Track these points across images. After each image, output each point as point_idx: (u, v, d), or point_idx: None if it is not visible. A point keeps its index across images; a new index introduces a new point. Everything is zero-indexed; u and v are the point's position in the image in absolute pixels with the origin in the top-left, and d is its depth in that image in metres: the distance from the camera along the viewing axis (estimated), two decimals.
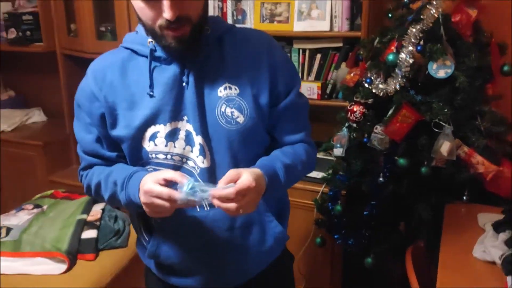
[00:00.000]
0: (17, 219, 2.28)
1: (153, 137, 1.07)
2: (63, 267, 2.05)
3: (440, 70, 1.68)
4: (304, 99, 1.21)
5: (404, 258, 1.90)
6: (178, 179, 0.96)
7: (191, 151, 1.08)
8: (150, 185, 0.97)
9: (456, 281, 1.33)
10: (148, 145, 1.08)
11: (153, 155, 1.09)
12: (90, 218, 2.25)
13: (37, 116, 3.30)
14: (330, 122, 2.08)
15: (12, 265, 2.07)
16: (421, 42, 1.70)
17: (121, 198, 1.06)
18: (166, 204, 0.95)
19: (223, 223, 1.12)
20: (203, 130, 1.07)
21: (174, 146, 1.08)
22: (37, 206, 2.41)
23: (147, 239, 1.20)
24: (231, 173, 0.96)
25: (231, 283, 1.19)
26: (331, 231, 2.01)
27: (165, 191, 0.95)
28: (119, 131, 1.09)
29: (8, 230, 2.19)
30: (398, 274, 2.09)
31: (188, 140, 1.08)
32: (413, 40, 1.69)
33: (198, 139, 1.07)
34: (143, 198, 0.99)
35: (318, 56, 2.28)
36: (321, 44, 2.27)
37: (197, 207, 1.10)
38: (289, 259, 1.35)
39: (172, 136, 1.08)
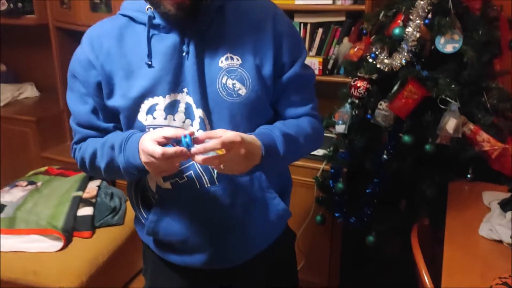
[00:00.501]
0: (11, 196, 2.24)
1: (151, 109, 1.03)
2: (59, 244, 2.03)
3: (447, 45, 1.64)
4: (310, 70, 1.16)
5: (405, 237, 1.89)
6: (179, 135, 0.92)
7: (191, 124, 1.04)
8: (147, 143, 0.93)
9: (462, 259, 1.31)
10: (145, 119, 1.03)
11: (151, 129, 1.04)
12: (85, 195, 2.21)
13: (29, 91, 3.22)
14: (331, 98, 2.03)
15: (7, 242, 2.04)
16: (429, 16, 1.64)
17: (119, 162, 1.01)
18: (162, 163, 0.91)
19: (225, 200, 1.08)
20: (204, 102, 1.02)
21: (174, 119, 1.04)
22: (31, 182, 2.37)
23: (145, 215, 1.16)
24: (218, 130, 0.93)
25: (233, 262, 1.16)
26: (332, 209, 1.99)
27: (158, 149, 0.90)
28: (115, 101, 1.04)
29: (2, 207, 2.15)
30: (399, 252, 2.08)
31: (188, 113, 1.04)
32: (420, 13, 1.64)
33: (198, 112, 1.03)
34: (143, 158, 0.95)
35: (320, 30, 2.22)
36: (323, 18, 2.20)
37: (197, 183, 1.06)
38: (291, 236, 1.33)
39: (171, 108, 1.03)
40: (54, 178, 2.41)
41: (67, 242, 2.05)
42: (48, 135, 2.87)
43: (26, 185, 2.34)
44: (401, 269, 2.08)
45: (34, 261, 1.98)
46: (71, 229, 2.08)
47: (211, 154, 0.91)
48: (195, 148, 0.90)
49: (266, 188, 1.11)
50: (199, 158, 0.91)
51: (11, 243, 2.03)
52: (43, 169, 2.55)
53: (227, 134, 0.91)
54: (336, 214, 1.93)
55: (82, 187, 2.25)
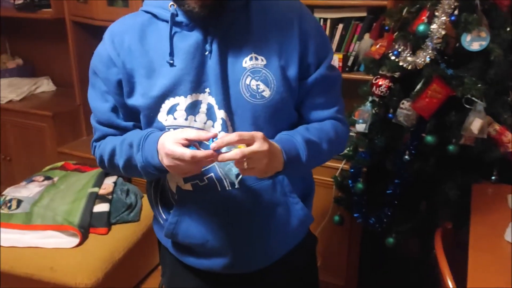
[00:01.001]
0: (28, 191, 2.24)
1: (172, 110, 1.00)
2: (75, 240, 2.03)
3: (474, 43, 1.58)
4: (336, 72, 1.12)
5: (425, 238, 1.86)
6: (203, 137, 0.90)
7: (213, 126, 1.01)
8: (171, 146, 0.90)
9: (488, 264, 1.27)
10: (165, 119, 1.01)
11: (172, 130, 1.01)
12: (102, 191, 2.21)
13: (45, 85, 3.22)
14: (350, 96, 1.98)
15: (23, 238, 2.05)
16: (455, 12, 1.59)
17: (137, 161, 0.99)
18: (190, 165, 0.90)
19: (246, 204, 1.05)
20: (226, 104, 1.00)
21: (195, 120, 1.01)
22: (47, 178, 2.37)
23: (164, 216, 1.14)
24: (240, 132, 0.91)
25: (253, 267, 1.13)
26: (351, 209, 1.95)
27: (187, 152, 0.88)
28: (136, 100, 1.02)
29: (19, 202, 2.16)
30: (418, 253, 2.05)
31: (210, 114, 1.01)
32: (446, 10, 1.58)
33: (220, 114, 1.00)
34: (166, 161, 0.92)
35: (340, 26, 2.17)
36: (344, 13, 2.15)
37: (218, 186, 1.03)
38: (313, 241, 1.29)
39: (192, 109, 1.00)
40: (71, 174, 2.41)
41: (83, 238, 2.05)
42: (64, 130, 2.86)
43: (43, 180, 2.35)
44: (420, 271, 2.05)
45: (50, 257, 1.99)
46: (87, 225, 2.08)
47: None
48: (214, 143, 0.88)
49: (289, 193, 1.08)
50: (221, 156, 0.88)
51: (28, 238, 2.04)
52: (59, 164, 2.55)
53: (246, 132, 0.90)
54: (355, 215, 1.90)
55: (99, 183, 2.25)
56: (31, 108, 2.88)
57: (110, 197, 2.20)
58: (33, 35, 3.26)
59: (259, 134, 0.90)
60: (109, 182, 2.28)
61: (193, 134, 0.90)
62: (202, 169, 1.02)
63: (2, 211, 2.12)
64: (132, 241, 2.15)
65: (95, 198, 2.17)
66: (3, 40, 3.37)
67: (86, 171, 2.41)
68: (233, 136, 0.87)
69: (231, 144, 0.88)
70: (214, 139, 0.89)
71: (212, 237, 1.08)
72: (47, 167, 2.54)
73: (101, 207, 2.15)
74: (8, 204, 2.15)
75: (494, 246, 1.35)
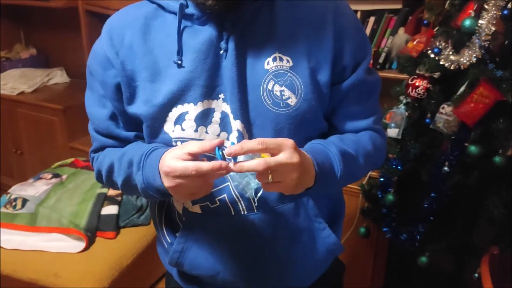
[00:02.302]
0: (34, 189, 2.14)
1: (180, 119, 0.85)
2: (81, 245, 1.93)
3: None
4: (376, 76, 0.95)
5: (460, 257, 1.69)
6: (207, 148, 0.74)
7: (227, 138, 0.86)
8: (171, 162, 0.75)
9: None
10: (172, 130, 0.86)
11: (179, 143, 0.86)
12: (111, 192, 2.10)
13: (59, 76, 3.14)
14: (381, 96, 1.80)
15: (27, 240, 1.96)
16: (508, 6, 1.40)
17: (137, 181, 0.84)
18: (195, 181, 0.74)
19: (264, 230, 0.90)
20: (243, 112, 0.84)
21: (206, 132, 0.86)
22: (56, 175, 2.27)
23: (169, 240, 0.99)
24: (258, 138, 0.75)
25: None
26: (378, 221, 1.79)
27: (190, 165, 0.73)
28: (137, 108, 0.87)
29: (24, 201, 2.07)
30: (451, 271, 1.88)
31: (224, 125, 0.86)
32: (499, 3, 1.39)
33: (236, 124, 0.84)
34: (166, 182, 0.77)
35: (372, 19, 1.99)
36: (376, 5, 1.97)
37: (232, 210, 0.88)
38: (340, 270, 1.13)
39: (204, 118, 0.85)
40: (80, 171, 2.30)
41: (90, 242, 1.95)
42: (76, 124, 2.77)
43: (51, 178, 2.25)
44: None
45: (55, 262, 1.89)
46: (94, 229, 1.97)
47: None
48: (230, 149, 0.72)
49: (314, 217, 0.92)
50: (238, 166, 0.73)
51: (32, 241, 1.94)
52: (69, 160, 2.46)
53: (273, 139, 0.75)
54: (384, 229, 1.73)
55: None
56: (43, 101, 2.80)
57: (119, 198, 2.08)
58: (48, 24, 3.18)
59: (288, 142, 0.75)
60: None
61: (195, 147, 0.75)
62: (214, 189, 0.86)
63: (6, 211, 2.03)
64: (141, 246, 2.04)
65: (104, 199, 2.06)
66: (17, 30, 3.30)
67: None
68: (255, 143, 0.72)
69: (252, 152, 0.73)
70: (221, 149, 0.74)
71: (224, 268, 0.93)
72: (56, 164, 2.44)
73: (110, 209, 2.04)
74: (13, 203, 2.05)
75: None
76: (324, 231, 0.94)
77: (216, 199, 0.88)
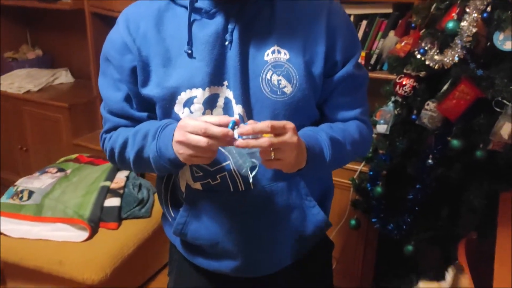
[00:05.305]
0: (40, 182, 2.22)
1: (188, 102, 0.94)
2: (85, 234, 2.00)
3: (507, 42, 1.48)
4: (364, 71, 1.05)
5: (446, 248, 1.76)
6: (224, 121, 0.83)
7: None
8: (186, 120, 0.85)
9: None
10: (182, 112, 0.95)
11: None
12: (113, 185, 2.18)
13: (64, 77, 3.22)
14: (372, 95, 1.89)
15: (33, 230, 2.03)
16: (488, 9, 1.50)
17: (150, 151, 0.93)
18: (202, 140, 0.82)
19: (259, 206, 0.99)
20: (244, 98, 0.93)
21: (211, 115, 0.95)
22: (60, 169, 2.35)
23: (173, 214, 1.08)
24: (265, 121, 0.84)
25: (264, 271, 1.07)
26: (368, 213, 1.87)
27: (202, 124, 0.82)
28: (150, 90, 0.96)
29: (30, 193, 2.15)
30: (437, 261, 1.95)
31: (227, 109, 0.95)
32: (479, 6, 1.49)
33: (237, 109, 0.94)
34: (176, 135, 0.86)
35: (364, 22, 2.09)
36: (368, 9, 2.07)
37: (231, 186, 0.97)
38: (329, 247, 1.22)
39: (210, 103, 0.94)
40: (84, 166, 2.39)
41: (93, 232, 2.02)
42: (80, 122, 2.85)
43: (56, 172, 2.33)
44: (439, 279, 1.95)
45: (59, 251, 1.96)
46: (97, 220, 2.05)
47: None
48: (241, 128, 0.81)
49: (305, 196, 1.01)
50: (245, 142, 0.81)
51: (37, 230, 2.02)
52: (73, 156, 2.54)
53: (277, 121, 0.83)
54: (373, 220, 1.81)
55: (111, 177, 2.22)
56: (48, 99, 2.87)
57: (121, 191, 2.16)
58: (54, 26, 3.26)
59: (291, 125, 0.84)
60: (121, 176, 2.24)
61: (213, 118, 0.84)
62: (216, 167, 0.96)
63: (13, 202, 2.11)
64: (142, 237, 2.11)
65: (107, 192, 2.14)
66: (24, 31, 3.38)
67: (99, 164, 2.38)
68: (265, 125, 0.81)
69: (261, 133, 0.82)
70: (234, 125, 0.83)
71: (222, 239, 1.02)
72: (61, 159, 2.53)
73: (112, 202, 2.12)
74: (20, 195, 2.13)
75: None
76: (314, 209, 1.03)
77: (218, 176, 0.97)
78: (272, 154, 0.83)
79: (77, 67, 3.26)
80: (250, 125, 0.81)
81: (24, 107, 2.95)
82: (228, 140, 0.82)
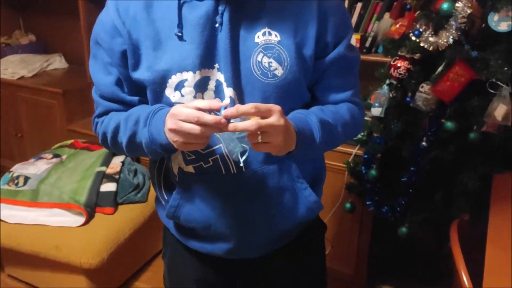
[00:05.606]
0: (35, 168, 2.22)
1: (179, 86, 0.93)
2: (81, 219, 2.01)
3: (501, 23, 1.47)
4: (355, 52, 1.04)
5: (439, 229, 1.77)
6: (214, 106, 0.82)
7: None
8: (178, 107, 0.84)
9: (506, 260, 1.19)
10: (173, 95, 0.94)
11: None
12: (109, 170, 2.18)
13: (58, 62, 3.20)
14: (367, 78, 1.89)
15: (30, 215, 2.04)
16: None
17: (142, 137, 0.92)
18: (195, 128, 0.82)
19: (251, 189, 0.99)
20: (235, 81, 0.92)
21: (203, 98, 0.94)
22: (56, 155, 2.35)
23: (166, 197, 1.08)
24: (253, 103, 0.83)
25: (256, 252, 1.08)
26: (363, 196, 1.88)
27: (194, 112, 0.81)
28: (141, 74, 0.95)
29: (26, 179, 2.15)
30: (432, 244, 1.97)
31: (218, 92, 0.94)
32: None
33: (228, 92, 0.93)
34: (169, 123, 0.85)
35: (359, 5, 2.07)
36: None
37: (223, 169, 0.97)
38: (321, 228, 1.23)
39: (201, 86, 0.93)
40: (79, 152, 2.38)
41: (89, 217, 2.03)
42: (74, 107, 2.84)
43: (51, 158, 2.33)
44: (433, 262, 1.97)
45: (56, 236, 1.97)
46: (93, 205, 2.05)
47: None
48: (226, 111, 0.81)
49: (296, 178, 1.01)
50: (233, 125, 0.81)
51: (34, 216, 2.03)
52: (68, 142, 2.53)
53: (264, 104, 0.83)
54: (368, 202, 1.82)
55: (106, 162, 2.22)
56: (42, 85, 2.85)
57: (117, 176, 2.17)
58: (47, 11, 3.23)
59: (277, 108, 0.83)
60: (117, 162, 2.24)
61: (204, 103, 0.83)
62: (208, 150, 0.95)
63: (9, 188, 2.11)
64: (138, 222, 2.12)
65: (102, 177, 2.14)
66: (17, 16, 3.35)
67: (95, 149, 2.38)
68: (249, 107, 0.81)
69: (245, 115, 0.82)
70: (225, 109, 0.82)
71: (215, 222, 1.02)
72: (57, 145, 2.52)
73: (108, 187, 2.12)
74: (16, 181, 2.13)
75: None
76: (306, 191, 1.03)
77: (210, 159, 0.97)
78: (260, 138, 0.82)
79: (70, 53, 3.24)
80: (235, 108, 0.81)
81: (18, 93, 2.94)
82: (220, 127, 0.82)
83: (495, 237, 1.28)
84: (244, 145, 0.95)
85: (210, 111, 0.83)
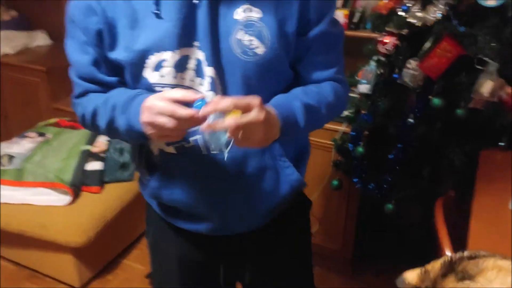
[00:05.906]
0: (20, 147, 2.20)
1: (158, 66, 0.91)
2: (67, 198, 2.00)
3: None
4: (339, 28, 1.02)
5: (426, 206, 1.79)
6: (189, 98, 0.81)
7: (201, 84, 0.92)
8: (152, 100, 0.82)
9: (490, 234, 1.20)
10: (152, 76, 0.92)
11: (158, 88, 0.92)
12: (95, 149, 2.16)
13: (41, 39, 3.12)
14: (355, 55, 1.87)
15: (14, 194, 2.02)
16: None
17: (120, 124, 0.90)
18: (169, 122, 0.80)
19: (232, 167, 0.98)
20: (215, 60, 0.90)
21: (182, 78, 0.92)
22: (41, 134, 2.32)
23: (148, 177, 1.07)
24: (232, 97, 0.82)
25: (240, 230, 1.07)
26: (350, 174, 1.88)
27: (169, 107, 0.80)
28: (118, 54, 0.92)
29: (11, 158, 2.12)
30: (418, 221, 1.99)
31: (198, 71, 0.91)
32: None
33: (209, 71, 0.91)
34: (144, 117, 0.84)
35: None
36: None
37: (204, 149, 0.96)
38: (306, 205, 1.22)
39: (181, 66, 0.91)
40: (64, 131, 2.36)
41: (75, 196, 2.02)
42: (59, 85, 2.78)
43: (36, 137, 2.30)
44: (419, 239, 1.99)
45: (42, 215, 1.96)
46: (79, 183, 2.04)
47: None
48: (203, 109, 0.79)
49: (279, 156, 1.00)
50: (211, 126, 0.79)
51: (19, 195, 2.01)
52: (53, 120, 2.50)
53: (244, 98, 0.81)
54: (354, 180, 1.83)
55: (91, 141, 2.19)
56: (26, 63, 2.79)
57: (103, 155, 2.15)
58: None
59: (256, 101, 0.81)
60: (102, 140, 2.22)
61: (178, 94, 0.81)
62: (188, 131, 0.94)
63: None
64: (125, 200, 2.12)
65: (88, 156, 2.12)
66: None
67: (80, 128, 2.35)
68: (227, 103, 0.79)
69: (226, 111, 0.80)
70: (203, 101, 0.80)
71: (197, 202, 1.01)
72: (41, 124, 2.49)
73: (94, 165, 2.10)
74: (0, 160, 2.10)
75: (498, 216, 1.28)
76: (288, 169, 1.02)
77: (190, 139, 0.95)
78: (240, 134, 0.81)
79: (53, 29, 3.16)
80: (213, 105, 0.79)
81: (2, 71, 2.87)
82: (196, 121, 0.80)
83: (479, 211, 1.29)
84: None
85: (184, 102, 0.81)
